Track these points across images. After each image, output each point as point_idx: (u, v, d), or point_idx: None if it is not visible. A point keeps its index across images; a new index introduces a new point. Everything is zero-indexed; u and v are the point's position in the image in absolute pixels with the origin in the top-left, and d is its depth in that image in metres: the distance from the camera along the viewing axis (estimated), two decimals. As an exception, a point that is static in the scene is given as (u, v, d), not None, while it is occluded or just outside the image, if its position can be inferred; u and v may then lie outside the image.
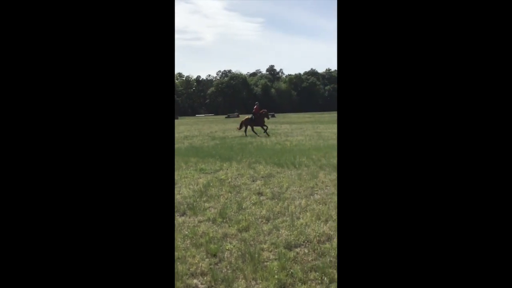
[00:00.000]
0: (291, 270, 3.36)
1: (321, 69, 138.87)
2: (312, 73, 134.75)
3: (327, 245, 3.95)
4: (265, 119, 19.72)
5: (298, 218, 4.88)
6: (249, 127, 20.08)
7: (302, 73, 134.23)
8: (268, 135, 18.76)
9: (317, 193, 6.23)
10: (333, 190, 6.40)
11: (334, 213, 5.00)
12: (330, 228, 4.45)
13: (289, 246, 3.95)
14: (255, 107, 20.32)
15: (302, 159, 9.90)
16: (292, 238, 4.15)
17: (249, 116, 20.16)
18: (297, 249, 3.89)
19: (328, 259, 3.58)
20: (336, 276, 3.22)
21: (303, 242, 4.07)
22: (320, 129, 22.63)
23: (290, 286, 3.11)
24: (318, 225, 4.56)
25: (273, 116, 19.93)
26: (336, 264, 3.48)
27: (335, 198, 5.80)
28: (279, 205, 5.55)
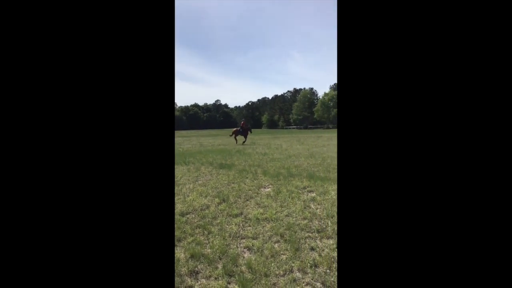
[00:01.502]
0: (184, 229, 3.28)
1: (201, 103, 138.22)
2: (196, 105, 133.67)
3: (207, 211, 3.95)
4: (248, 132, 18.10)
5: (188, 196, 4.77)
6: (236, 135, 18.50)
7: (189, 105, 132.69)
8: (244, 144, 17.23)
9: (200, 180, 6.17)
10: (210, 177, 6.42)
11: (211, 191, 5.02)
12: (208, 200, 4.46)
13: (182, 214, 3.83)
14: (242, 122, 18.67)
15: (190, 159, 9.70)
16: (184, 209, 4.04)
17: (238, 128, 18.36)
18: (188, 215, 3.79)
19: (207, 220, 3.59)
20: (213, 229, 3.27)
21: (192, 210, 4.00)
22: (202, 141, 22.42)
23: (183, 239, 3.03)
24: (201, 200, 4.52)
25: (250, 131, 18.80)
26: (213, 222, 3.52)
27: (211, 182, 5.84)
28: (176, 188, 5.35)
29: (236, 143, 17.89)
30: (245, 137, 18.08)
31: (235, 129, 18.79)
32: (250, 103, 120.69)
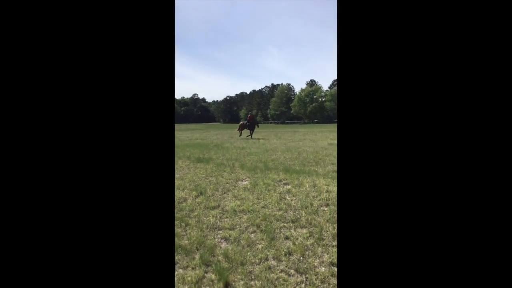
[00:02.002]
0: (161, 222, 3.27)
1: (178, 97, 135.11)
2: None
3: (184, 204, 3.95)
4: (256, 126, 17.51)
5: (165, 190, 4.74)
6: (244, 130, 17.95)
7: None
8: (252, 138, 16.68)
9: (177, 174, 6.12)
10: (187, 171, 6.38)
11: (188, 184, 5.01)
12: (186, 194, 4.45)
13: (159, 207, 3.81)
14: (249, 115, 18.10)
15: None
16: (161, 202, 4.02)
17: (245, 122, 17.81)
18: (165, 208, 3.78)
19: (185, 212, 3.59)
20: (190, 221, 3.28)
21: (169, 204, 3.98)
22: (179, 135, 22.06)
23: (160, 231, 3.03)
24: (178, 193, 4.50)
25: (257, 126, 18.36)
26: (190, 215, 3.53)
27: (189, 176, 5.81)
28: (152, 182, 5.28)
29: (240, 135, 17.68)
30: (251, 131, 17.34)
31: (241, 122, 18.23)
32: (228, 98, 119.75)
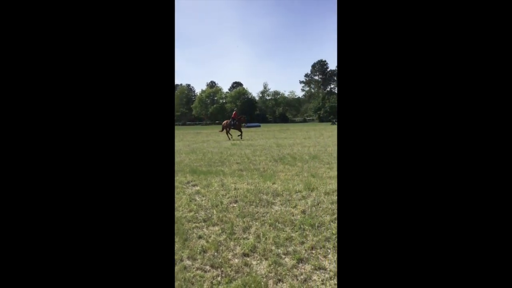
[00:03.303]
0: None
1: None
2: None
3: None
4: (243, 124, 15.03)
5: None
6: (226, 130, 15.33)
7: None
8: (241, 139, 14.60)
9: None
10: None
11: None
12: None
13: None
14: (234, 112, 15.59)
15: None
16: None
17: (229, 120, 15.27)
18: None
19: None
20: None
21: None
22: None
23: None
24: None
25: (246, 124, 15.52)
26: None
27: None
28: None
29: (230, 139, 15.62)
30: (240, 130, 15.54)
31: (225, 121, 15.92)
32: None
